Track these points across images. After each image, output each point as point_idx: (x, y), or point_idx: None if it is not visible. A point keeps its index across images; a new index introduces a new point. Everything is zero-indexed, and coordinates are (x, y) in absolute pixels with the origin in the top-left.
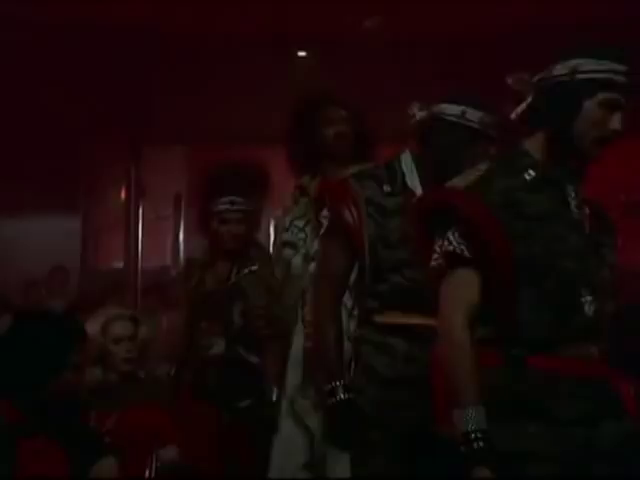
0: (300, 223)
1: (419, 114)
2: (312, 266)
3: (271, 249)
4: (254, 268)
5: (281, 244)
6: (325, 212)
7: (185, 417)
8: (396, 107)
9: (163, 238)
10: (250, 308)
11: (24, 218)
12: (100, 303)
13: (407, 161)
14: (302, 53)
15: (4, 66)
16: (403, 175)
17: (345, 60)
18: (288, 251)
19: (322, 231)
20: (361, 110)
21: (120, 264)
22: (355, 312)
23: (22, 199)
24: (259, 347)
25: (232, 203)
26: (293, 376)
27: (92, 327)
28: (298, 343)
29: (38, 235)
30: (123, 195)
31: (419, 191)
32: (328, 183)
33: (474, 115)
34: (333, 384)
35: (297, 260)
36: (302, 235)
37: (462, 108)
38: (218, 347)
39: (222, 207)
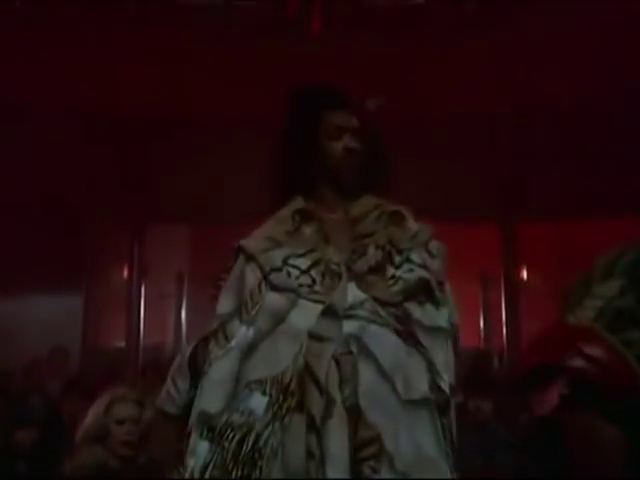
0: (302, 262)
1: None
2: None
3: (242, 292)
4: None
5: (266, 289)
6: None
7: None
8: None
9: (165, 316)
10: None
11: (25, 297)
12: (100, 383)
13: None
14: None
15: (8, 149)
16: None
17: None
18: (279, 299)
19: None
20: (377, 123)
21: (122, 343)
22: None
23: (24, 278)
24: None
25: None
26: None
27: (98, 406)
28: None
29: (39, 314)
30: (125, 273)
31: None
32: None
33: None
34: None
35: (297, 317)
36: (305, 280)
37: None
38: None
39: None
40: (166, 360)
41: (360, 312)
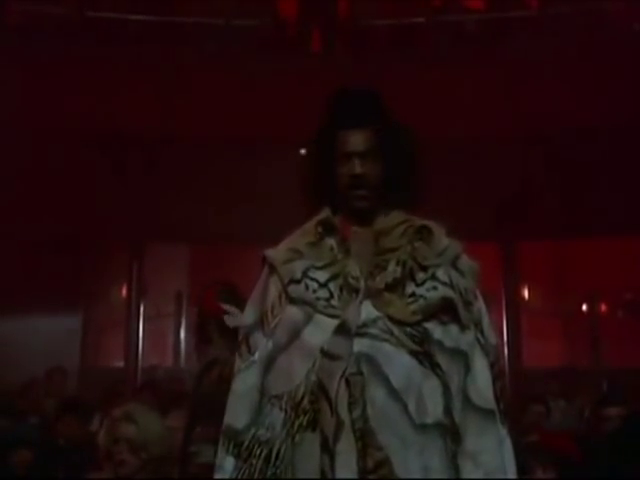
0: (321, 275)
1: None
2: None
3: (264, 303)
4: None
5: (286, 301)
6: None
7: None
8: None
9: (164, 336)
10: None
11: (24, 317)
12: (99, 403)
13: None
14: (304, 151)
15: (7, 169)
16: None
17: None
18: (296, 314)
19: None
20: (410, 128)
21: (120, 363)
22: None
23: (22, 297)
24: None
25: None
26: None
27: (103, 427)
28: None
29: (38, 334)
30: (124, 293)
31: None
32: None
33: None
34: None
35: (311, 332)
36: (323, 294)
37: None
38: (206, 456)
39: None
40: (164, 380)
41: (372, 330)
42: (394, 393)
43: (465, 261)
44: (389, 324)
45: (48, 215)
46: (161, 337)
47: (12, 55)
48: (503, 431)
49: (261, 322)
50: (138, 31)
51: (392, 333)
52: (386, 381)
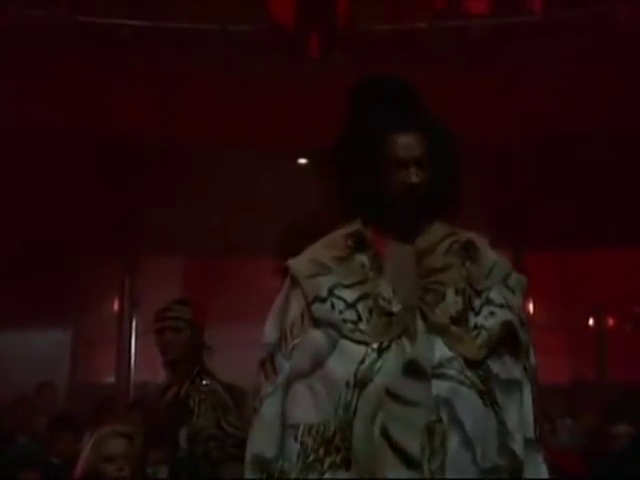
0: (349, 295)
1: None
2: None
3: (285, 320)
4: (204, 382)
5: (309, 321)
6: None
7: None
8: None
9: (157, 351)
10: (196, 430)
11: (12, 330)
12: (89, 419)
13: None
14: (302, 161)
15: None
16: None
17: None
18: (319, 338)
19: None
20: (451, 131)
21: (111, 378)
22: None
23: (11, 311)
24: (210, 474)
25: (166, 310)
26: None
27: (87, 445)
28: None
29: (27, 349)
30: (116, 307)
31: None
32: None
33: None
34: None
35: (336, 362)
36: (350, 315)
37: None
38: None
39: (157, 316)
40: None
41: (449, 371)
42: (467, 440)
43: (514, 275)
44: (462, 364)
45: (39, 226)
46: (154, 352)
47: (5, 59)
48: (539, 458)
49: (280, 341)
50: (133, 36)
51: (466, 374)
52: (461, 427)
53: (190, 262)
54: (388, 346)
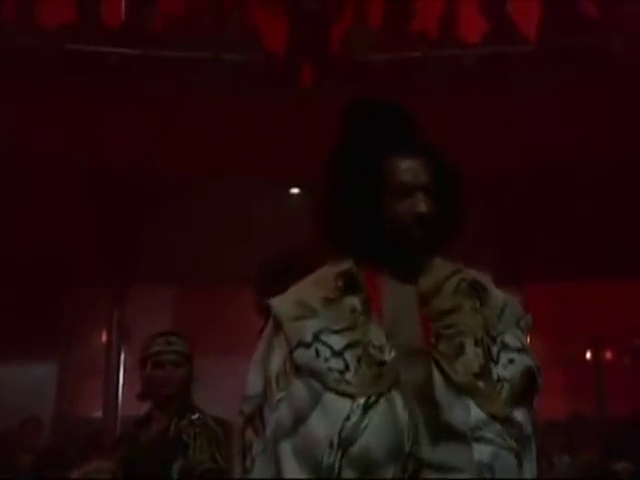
0: (337, 341)
1: None
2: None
3: (268, 368)
4: (196, 417)
5: (292, 369)
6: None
7: None
8: None
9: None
10: (192, 464)
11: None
12: (76, 455)
13: None
14: (295, 190)
15: None
16: None
17: None
18: (301, 391)
19: None
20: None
21: (99, 413)
22: None
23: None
24: None
25: (168, 343)
26: None
27: None
28: None
29: (12, 381)
30: (104, 338)
31: None
32: None
33: None
34: None
35: (319, 420)
36: (337, 364)
37: None
38: None
39: (157, 348)
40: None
41: (487, 434)
42: None
43: (526, 318)
44: (497, 425)
45: (26, 256)
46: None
47: None
48: None
49: (267, 391)
50: (123, 64)
51: (504, 436)
52: None
53: (180, 292)
54: (376, 401)
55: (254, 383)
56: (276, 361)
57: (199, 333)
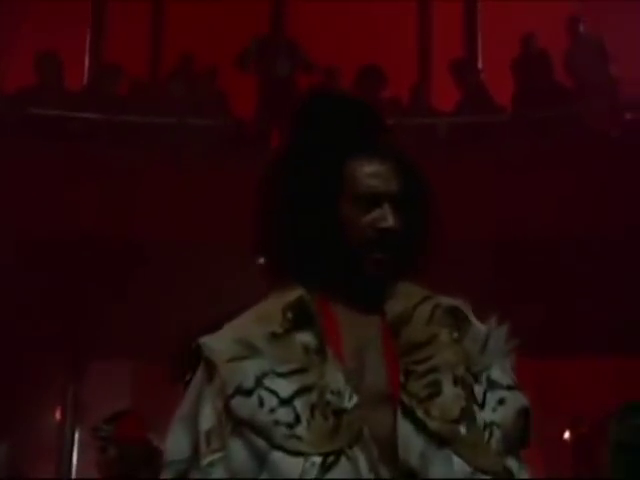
0: (285, 387)
1: None
2: None
3: (198, 424)
4: None
5: (228, 423)
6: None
7: None
8: None
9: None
10: None
11: None
12: None
13: None
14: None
15: None
16: None
17: None
18: (241, 455)
19: None
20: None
21: None
22: None
23: None
24: None
25: (96, 429)
26: None
27: None
28: None
29: None
30: (58, 416)
31: None
32: None
33: None
34: None
35: None
36: (286, 416)
37: None
38: None
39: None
40: None
41: None
42: None
43: (513, 355)
44: (484, 478)
45: None
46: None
47: None
48: None
49: (196, 453)
50: (86, 129)
51: None
52: None
53: (138, 367)
54: (335, 461)
55: (178, 444)
56: (208, 415)
57: (157, 409)
